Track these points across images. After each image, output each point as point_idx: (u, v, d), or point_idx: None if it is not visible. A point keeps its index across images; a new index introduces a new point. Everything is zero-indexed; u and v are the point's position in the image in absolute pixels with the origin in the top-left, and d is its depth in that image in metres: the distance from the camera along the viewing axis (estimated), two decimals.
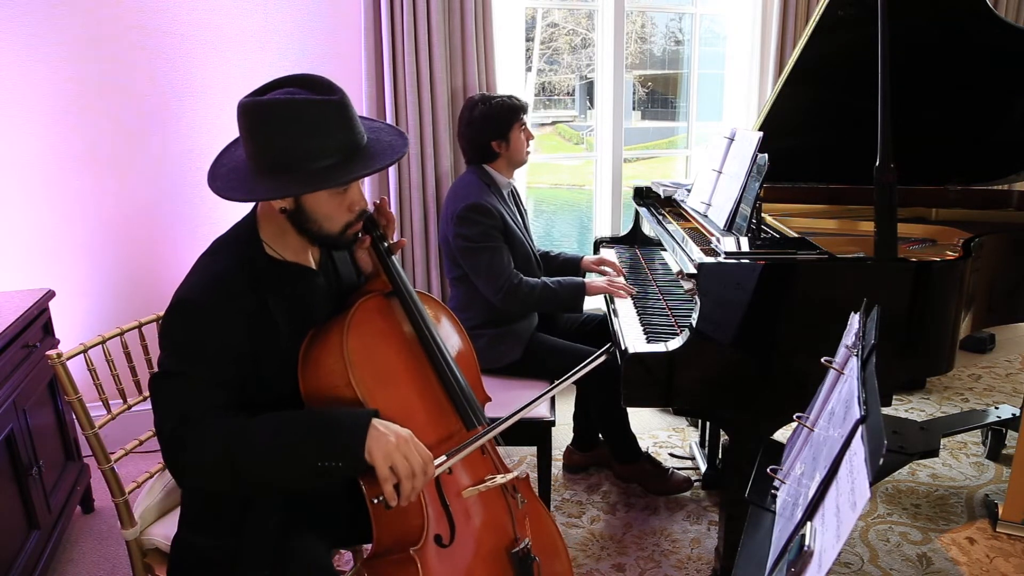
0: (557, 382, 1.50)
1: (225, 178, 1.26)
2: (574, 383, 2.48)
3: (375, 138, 1.31)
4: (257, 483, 1.21)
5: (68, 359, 1.50)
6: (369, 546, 1.41)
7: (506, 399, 2.13)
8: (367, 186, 2.93)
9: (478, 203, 2.27)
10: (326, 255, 1.45)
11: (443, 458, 1.27)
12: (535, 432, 2.17)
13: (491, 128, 2.34)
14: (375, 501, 1.20)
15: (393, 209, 2.95)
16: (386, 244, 1.44)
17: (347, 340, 1.29)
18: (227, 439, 1.16)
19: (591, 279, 2.40)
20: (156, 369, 1.25)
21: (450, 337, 1.53)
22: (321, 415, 1.22)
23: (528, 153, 2.44)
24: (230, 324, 1.23)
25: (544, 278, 2.35)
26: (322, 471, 1.17)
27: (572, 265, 2.61)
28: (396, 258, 1.47)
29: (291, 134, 1.19)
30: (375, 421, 1.18)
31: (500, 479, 1.41)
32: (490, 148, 2.36)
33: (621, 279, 2.45)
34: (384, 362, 1.36)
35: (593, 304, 2.46)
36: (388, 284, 1.42)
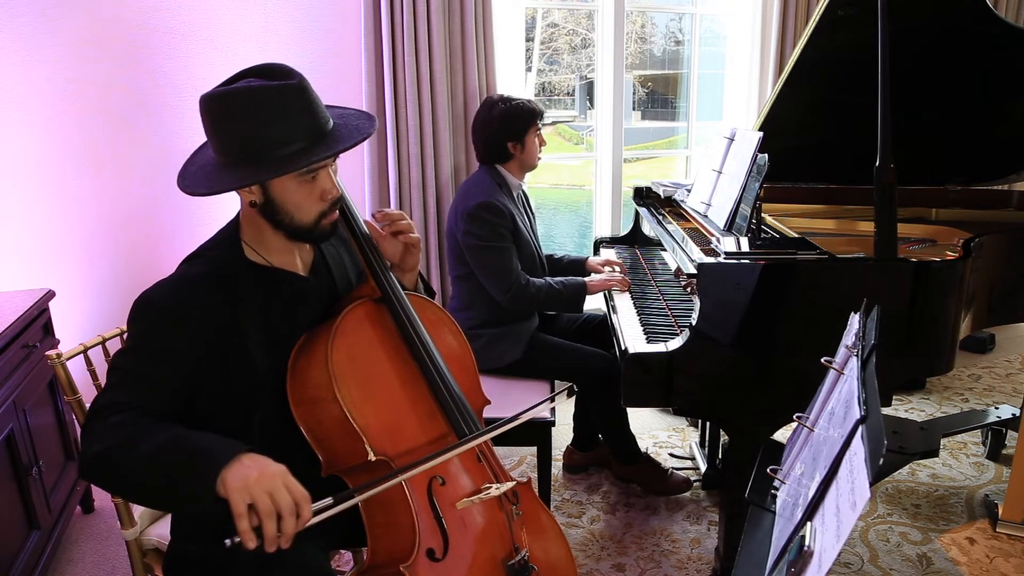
0: (512, 416, 1.40)
1: (193, 176, 1.24)
2: (566, 389, 2.50)
3: (342, 123, 1.28)
4: (132, 492, 1.15)
5: (68, 359, 1.50)
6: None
7: (507, 400, 2.13)
8: (366, 191, 2.93)
9: (489, 202, 2.27)
10: (319, 257, 1.42)
11: (328, 500, 1.12)
12: (535, 432, 2.17)
13: (509, 129, 2.36)
14: (228, 543, 1.04)
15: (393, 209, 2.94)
16: (374, 248, 1.40)
17: (332, 353, 1.25)
18: (115, 438, 1.10)
19: (591, 278, 2.40)
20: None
21: (445, 342, 1.47)
22: (196, 439, 1.11)
23: (540, 158, 2.46)
24: (188, 334, 1.20)
25: (548, 278, 2.36)
26: (184, 499, 1.10)
27: (577, 266, 2.62)
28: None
29: (251, 123, 1.17)
30: (245, 455, 1.08)
31: (496, 490, 1.37)
32: (505, 149, 2.37)
33: (618, 274, 2.46)
34: (372, 373, 1.32)
35: (593, 304, 2.46)
36: (377, 289, 1.38)
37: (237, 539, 1.03)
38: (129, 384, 1.17)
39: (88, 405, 1.49)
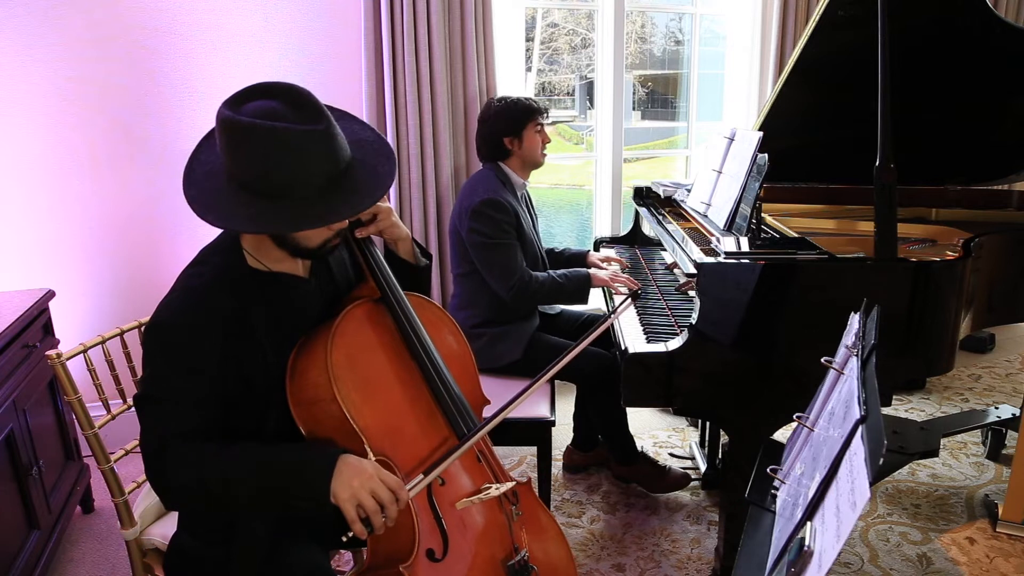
0: (578, 342, 1.41)
1: (200, 185, 1.21)
2: (574, 375, 2.50)
3: (360, 159, 1.24)
4: (234, 511, 1.27)
5: (68, 359, 1.50)
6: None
7: (506, 399, 2.13)
8: None
9: (494, 199, 2.28)
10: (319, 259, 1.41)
11: (420, 478, 1.25)
12: (535, 432, 2.17)
13: (505, 125, 2.37)
14: (344, 540, 1.18)
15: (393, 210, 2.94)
16: (372, 248, 1.39)
17: (331, 353, 1.25)
18: (202, 470, 1.17)
19: (595, 271, 2.41)
20: (138, 389, 1.25)
21: (444, 342, 1.47)
22: (288, 457, 1.21)
23: (544, 155, 2.46)
24: (207, 342, 1.21)
25: (550, 272, 2.36)
26: (294, 509, 1.20)
27: (579, 260, 2.63)
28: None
29: (270, 163, 1.13)
30: (340, 462, 1.17)
31: (495, 490, 1.37)
32: (503, 145, 2.39)
33: (624, 274, 2.46)
34: (371, 374, 1.32)
35: (593, 304, 2.46)
36: (376, 290, 1.38)
37: (351, 534, 1.17)
38: (169, 413, 1.19)
39: (88, 406, 1.50)
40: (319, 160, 1.16)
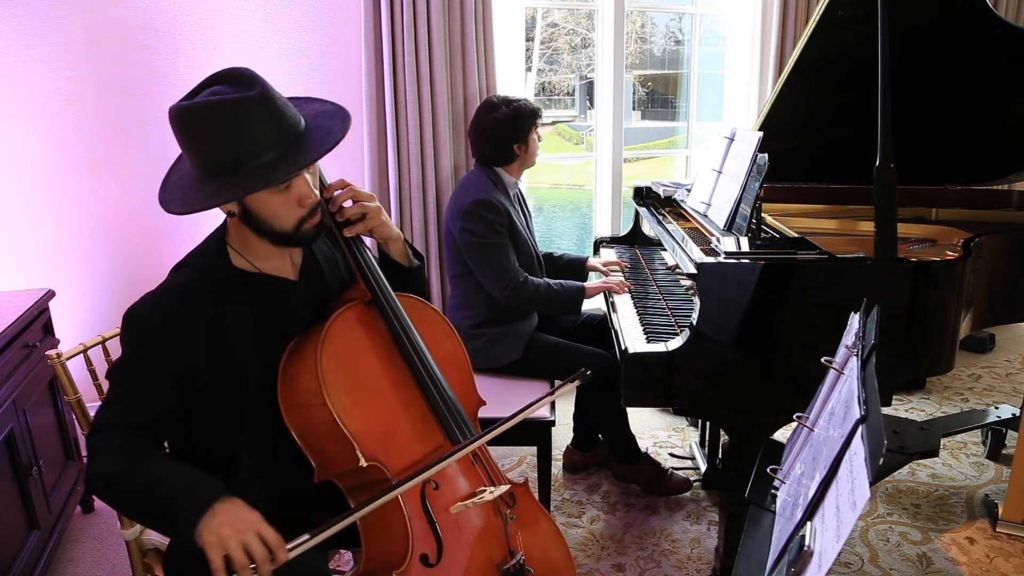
0: (526, 406, 1.39)
1: (172, 189, 1.23)
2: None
3: (315, 125, 1.24)
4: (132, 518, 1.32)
5: (68, 359, 1.50)
6: None
7: (505, 399, 2.13)
8: (367, 179, 2.93)
9: (486, 199, 2.28)
10: (310, 259, 1.40)
11: (305, 537, 1.12)
12: (535, 432, 2.16)
13: (515, 131, 2.37)
14: None
15: (393, 209, 2.94)
16: (362, 249, 1.38)
17: (321, 358, 1.23)
18: (109, 466, 1.17)
19: (590, 283, 2.41)
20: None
21: (438, 344, 1.45)
22: (173, 487, 1.15)
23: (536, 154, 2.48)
24: (172, 340, 1.21)
25: (547, 279, 2.36)
26: (177, 534, 1.16)
27: (577, 265, 2.63)
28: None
29: (215, 136, 1.15)
30: (220, 503, 1.11)
31: (490, 494, 1.36)
32: (512, 151, 2.39)
33: (617, 276, 2.46)
34: (363, 378, 1.30)
35: (593, 304, 2.46)
36: (367, 292, 1.36)
37: None
38: (121, 400, 1.21)
39: (88, 406, 1.50)
40: (258, 122, 1.16)
